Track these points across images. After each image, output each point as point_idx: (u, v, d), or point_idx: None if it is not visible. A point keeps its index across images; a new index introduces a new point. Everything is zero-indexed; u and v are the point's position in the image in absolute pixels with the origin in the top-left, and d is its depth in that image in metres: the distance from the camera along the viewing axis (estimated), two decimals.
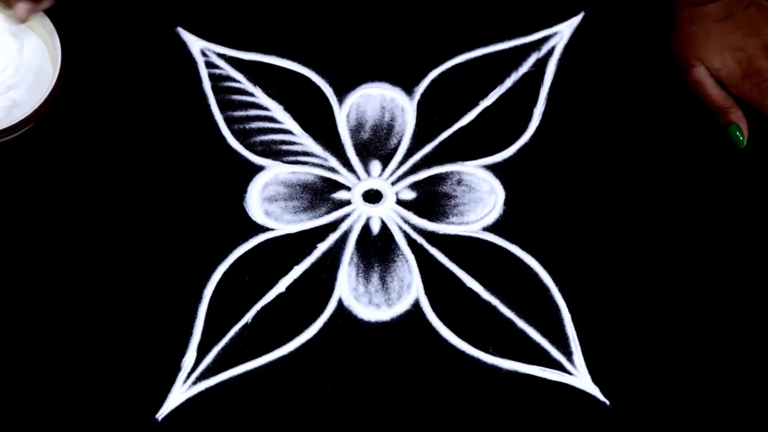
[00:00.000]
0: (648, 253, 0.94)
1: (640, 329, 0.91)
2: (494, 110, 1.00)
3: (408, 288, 0.93)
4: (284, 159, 0.98)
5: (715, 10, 0.95)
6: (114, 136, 0.98)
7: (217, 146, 0.97)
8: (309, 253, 0.94)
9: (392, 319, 0.92)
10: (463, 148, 0.98)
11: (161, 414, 0.89)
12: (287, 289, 0.93)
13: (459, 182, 0.97)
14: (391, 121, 1.00)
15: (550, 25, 1.03)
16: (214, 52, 1.01)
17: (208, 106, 0.99)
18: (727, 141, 0.97)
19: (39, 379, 0.90)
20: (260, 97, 0.99)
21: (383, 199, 0.97)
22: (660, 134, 0.99)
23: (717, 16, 0.95)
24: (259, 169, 0.97)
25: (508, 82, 1.01)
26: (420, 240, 0.95)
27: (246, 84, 1.00)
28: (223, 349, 0.91)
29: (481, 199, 0.97)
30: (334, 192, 0.97)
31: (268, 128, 0.99)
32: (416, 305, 0.92)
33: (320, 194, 0.97)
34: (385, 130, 0.99)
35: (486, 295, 0.93)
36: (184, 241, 0.94)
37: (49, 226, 0.95)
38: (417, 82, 1.00)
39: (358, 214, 0.96)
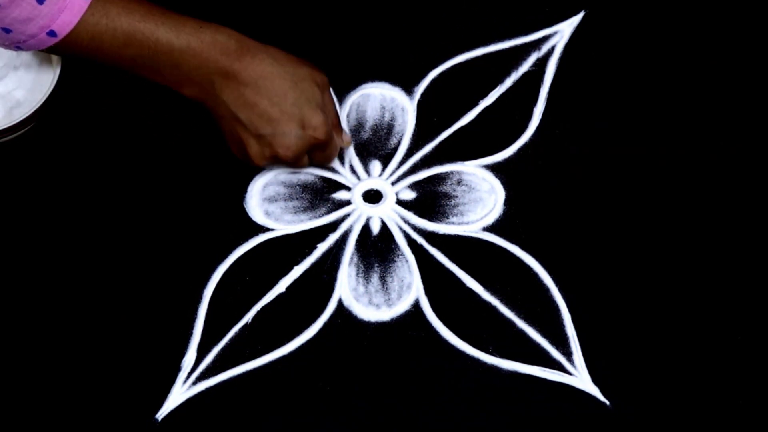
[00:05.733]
0: (648, 253, 0.94)
1: (640, 329, 0.91)
2: (494, 110, 1.00)
3: (408, 288, 0.93)
4: None
5: None
6: (114, 137, 0.98)
7: (218, 146, 0.97)
8: (309, 253, 0.94)
9: (392, 319, 0.92)
10: (463, 147, 0.98)
11: (161, 414, 0.89)
12: (287, 289, 0.93)
13: (459, 182, 0.97)
14: (391, 121, 1.00)
15: (550, 25, 1.03)
16: None
17: None
18: (728, 141, 0.97)
19: (39, 379, 0.90)
20: None
21: (383, 199, 0.97)
22: (660, 134, 0.99)
23: None
24: (259, 169, 0.97)
25: (508, 82, 1.01)
26: (420, 240, 0.95)
27: None
28: (223, 349, 0.91)
29: (481, 199, 0.97)
30: (334, 192, 0.97)
31: None
32: (416, 305, 0.92)
33: (320, 194, 0.97)
34: (385, 130, 0.99)
35: (486, 295, 0.93)
36: (184, 241, 0.94)
37: (49, 225, 0.95)
38: (417, 82, 1.00)
39: (358, 214, 0.96)
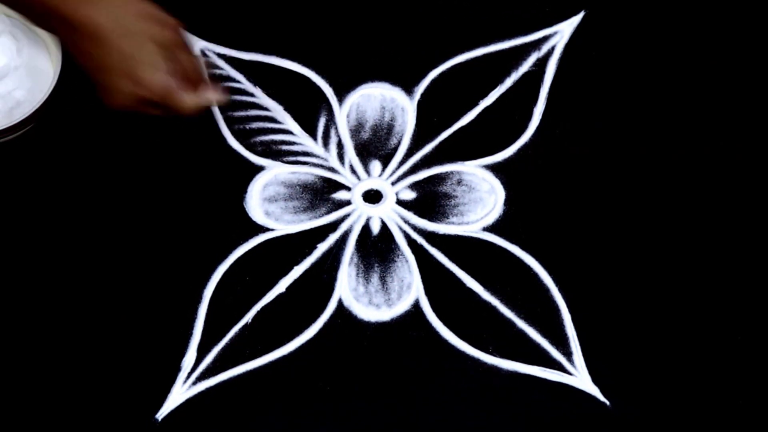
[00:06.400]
0: (648, 253, 0.94)
1: (640, 329, 0.91)
2: (494, 110, 1.00)
3: (408, 288, 0.93)
4: (284, 159, 0.98)
5: None
6: (114, 137, 0.98)
7: (218, 146, 0.98)
8: (309, 253, 0.94)
9: (392, 320, 0.92)
10: (463, 148, 0.98)
11: (161, 414, 0.89)
12: (287, 289, 0.93)
13: (459, 182, 0.97)
14: (391, 121, 1.00)
15: (551, 25, 1.03)
16: (215, 52, 1.01)
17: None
18: (728, 141, 0.97)
19: (39, 379, 0.90)
20: (260, 97, 0.99)
21: (383, 199, 0.97)
22: (660, 134, 0.99)
23: None
24: (259, 169, 0.97)
25: (508, 82, 1.01)
26: (420, 240, 0.95)
27: (246, 84, 1.00)
28: (223, 349, 0.91)
29: (481, 199, 0.97)
30: (334, 192, 0.97)
31: (268, 128, 0.99)
32: (416, 305, 0.92)
33: (320, 194, 0.97)
34: (385, 130, 0.99)
35: (486, 295, 0.93)
36: (184, 241, 0.94)
37: (49, 225, 0.95)
38: (417, 82, 1.00)
39: (358, 214, 0.96)
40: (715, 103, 1.00)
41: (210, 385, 0.90)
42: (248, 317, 0.92)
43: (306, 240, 0.95)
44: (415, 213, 0.96)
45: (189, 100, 0.89)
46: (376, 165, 0.98)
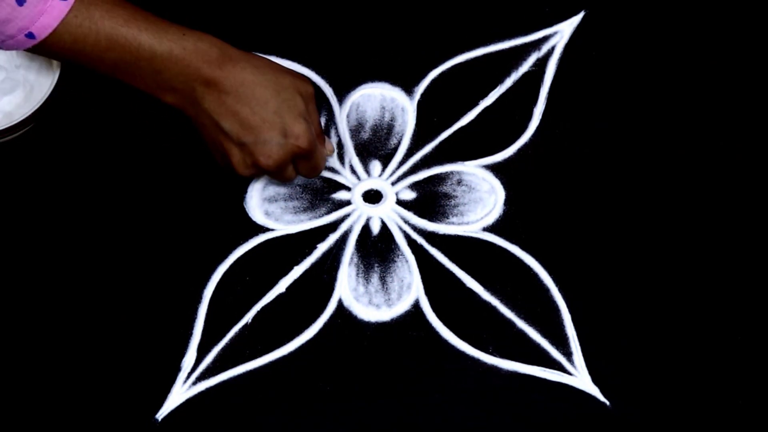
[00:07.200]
0: (648, 253, 0.94)
1: (640, 329, 0.91)
2: (494, 110, 1.00)
3: (408, 288, 0.93)
4: None
5: None
6: (114, 137, 0.98)
7: None
8: (309, 253, 0.94)
9: (392, 320, 0.92)
10: (463, 148, 0.98)
11: (161, 414, 0.89)
12: (287, 289, 0.93)
13: (459, 182, 0.97)
14: (391, 121, 1.00)
15: (551, 25, 1.03)
16: None
17: None
18: (728, 141, 0.97)
19: (39, 379, 0.90)
20: None
21: (383, 200, 0.97)
22: (660, 134, 0.99)
23: None
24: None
25: (508, 82, 1.01)
26: (420, 240, 0.95)
27: None
28: (223, 349, 0.91)
29: (481, 199, 0.97)
30: (334, 192, 0.97)
31: None
32: (416, 305, 0.92)
33: (320, 194, 0.97)
34: (385, 130, 0.99)
35: (486, 296, 0.93)
36: (184, 241, 0.94)
37: (49, 226, 0.95)
38: (417, 82, 1.00)
39: (358, 214, 0.96)
40: (715, 103, 1.00)
41: (210, 385, 0.90)
42: (248, 317, 0.92)
43: (306, 240, 0.95)
44: (415, 213, 0.96)
45: (323, 153, 0.92)
46: (376, 165, 0.98)
